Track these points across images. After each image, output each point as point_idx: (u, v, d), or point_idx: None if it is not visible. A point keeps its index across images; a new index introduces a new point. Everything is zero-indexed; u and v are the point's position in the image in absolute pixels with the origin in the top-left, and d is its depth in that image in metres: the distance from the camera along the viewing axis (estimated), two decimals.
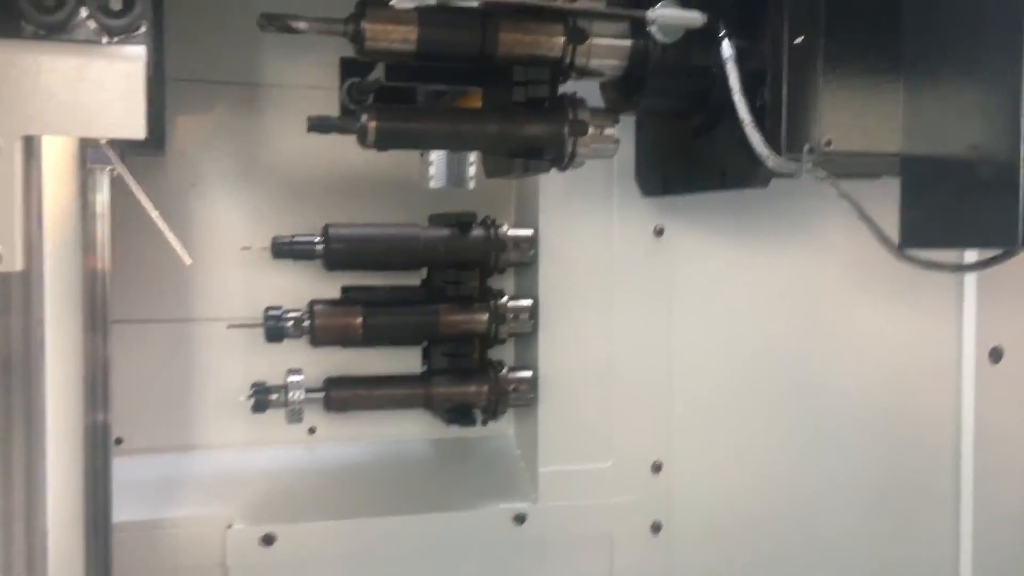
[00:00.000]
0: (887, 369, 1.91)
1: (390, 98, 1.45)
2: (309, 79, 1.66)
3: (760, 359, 1.84)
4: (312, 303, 1.61)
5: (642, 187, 1.72)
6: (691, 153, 1.52)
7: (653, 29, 1.33)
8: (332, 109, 1.60)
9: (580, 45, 1.35)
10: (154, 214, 1.16)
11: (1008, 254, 1.19)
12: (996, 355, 1.94)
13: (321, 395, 1.62)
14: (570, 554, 1.75)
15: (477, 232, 1.68)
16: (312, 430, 1.72)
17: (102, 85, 1.05)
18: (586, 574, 1.77)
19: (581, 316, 1.74)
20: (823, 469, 1.88)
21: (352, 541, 1.64)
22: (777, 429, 1.86)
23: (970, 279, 1.92)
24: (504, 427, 1.82)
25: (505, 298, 1.71)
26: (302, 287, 1.65)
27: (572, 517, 1.74)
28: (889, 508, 1.93)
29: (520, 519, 1.71)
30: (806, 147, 1.27)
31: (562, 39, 1.34)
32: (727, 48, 1.32)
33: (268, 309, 1.60)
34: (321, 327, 1.60)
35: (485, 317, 1.69)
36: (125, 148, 1.23)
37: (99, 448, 1.28)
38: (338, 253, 1.60)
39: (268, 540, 1.58)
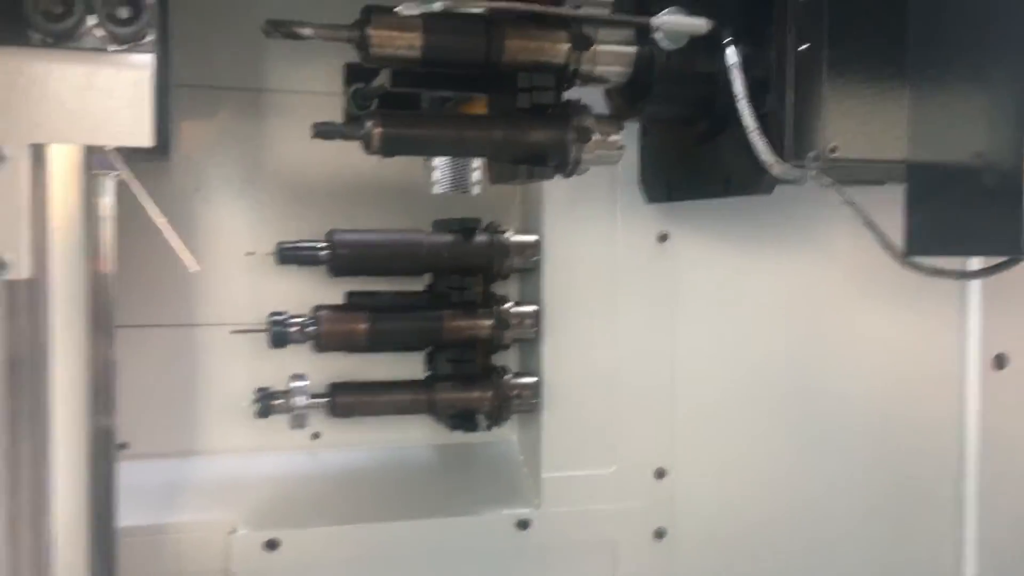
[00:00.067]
0: (891, 376, 1.90)
1: (394, 104, 1.46)
2: (313, 85, 1.66)
3: (764, 365, 1.84)
4: (316, 308, 1.61)
5: (646, 193, 1.72)
6: (695, 160, 1.52)
7: (658, 36, 1.34)
8: (336, 115, 1.60)
9: (585, 52, 1.35)
10: (161, 221, 1.16)
11: (1012, 261, 1.19)
12: (1000, 362, 1.94)
13: (325, 400, 1.62)
14: (573, 560, 1.75)
15: (481, 238, 1.68)
16: (316, 435, 1.72)
17: (110, 93, 1.05)
18: None
19: (585, 322, 1.74)
20: (827, 476, 1.88)
21: (356, 546, 1.63)
22: (781, 436, 1.85)
23: (974, 286, 1.92)
24: (507, 433, 1.81)
25: (509, 304, 1.71)
26: (306, 292, 1.66)
27: (575, 523, 1.74)
28: (893, 515, 1.92)
29: (523, 525, 1.70)
30: (811, 154, 1.27)
31: (567, 46, 1.34)
32: (732, 55, 1.32)
33: (272, 314, 1.60)
34: (325, 333, 1.60)
35: (489, 323, 1.69)
36: (130, 154, 1.23)
37: (103, 453, 1.28)
38: (342, 259, 1.60)
39: (272, 545, 1.58)
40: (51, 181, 1.10)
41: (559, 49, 1.34)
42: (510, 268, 1.70)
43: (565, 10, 1.33)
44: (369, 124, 1.27)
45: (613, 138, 1.38)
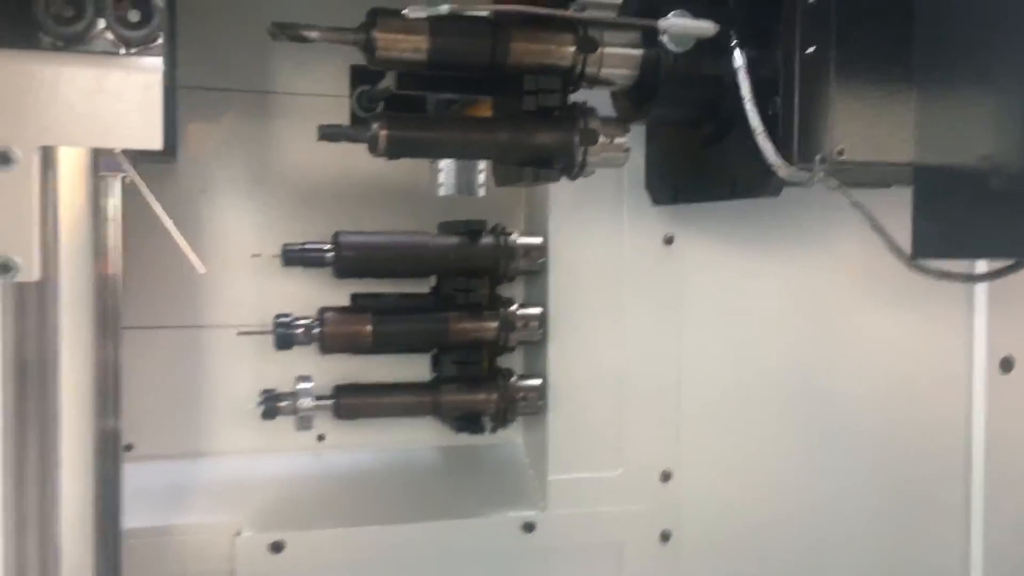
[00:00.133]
0: (898, 378, 1.90)
1: (400, 106, 1.46)
2: (319, 87, 1.66)
3: (770, 368, 1.83)
4: (322, 310, 1.61)
5: (652, 196, 1.72)
6: (702, 162, 1.52)
7: (664, 39, 1.33)
8: (342, 117, 1.60)
9: (591, 54, 1.35)
10: (168, 223, 1.16)
11: (1020, 265, 1.19)
12: (1007, 365, 1.93)
13: (330, 402, 1.62)
14: (579, 563, 1.75)
15: (487, 240, 1.68)
16: (321, 437, 1.72)
17: (119, 96, 1.06)
18: None
19: (591, 324, 1.74)
20: (833, 478, 1.87)
21: (361, 549, 1.63)
22: (787, 438, 1.85)
23: (981, 289, 1.92)
24: (513, 435, 1.81)
25: (514, 306, 1.71)
26: (312, 294, 1.66)
27: (581, 525, 1.74)
28: (899, 518, 1.92)
29: (529, 527, 1.70)
30: (818, 156, 1.27)
31: (573, 48, 1.34)
32: (739, 57, 1.32)
33: (278, 316, 1.60)
34: (331, 334, 1.60)
35: (494, 325, 1.69)
36: (137, 155, 1.23)
37: (109, 454, 1.28)
38: (348, 261, 1.61)
39: (277, 547, 1.58)
40: (60, 183, 1.10)
41: (565, 52, 1.34)
42: (516, 270, 1.70)
43: (571, 13, 1.33)
44: (375, 126, 1.27)
45: (619, 140, 1.38)
